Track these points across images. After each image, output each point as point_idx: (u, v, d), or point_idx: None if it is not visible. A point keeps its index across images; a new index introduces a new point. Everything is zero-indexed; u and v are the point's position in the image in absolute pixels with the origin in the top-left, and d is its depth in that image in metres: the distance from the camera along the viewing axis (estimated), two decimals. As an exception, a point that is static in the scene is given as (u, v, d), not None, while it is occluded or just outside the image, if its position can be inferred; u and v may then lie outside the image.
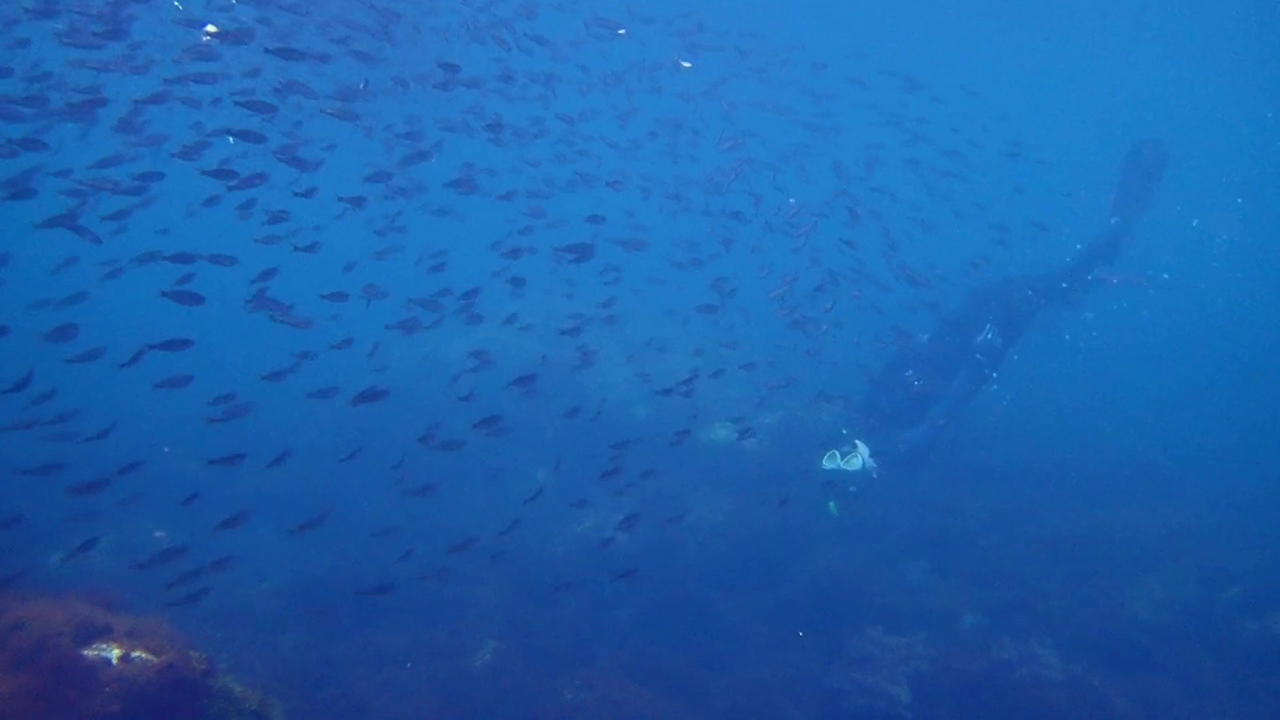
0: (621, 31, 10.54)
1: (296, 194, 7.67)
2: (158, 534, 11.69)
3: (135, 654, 4.95)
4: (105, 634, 5.04)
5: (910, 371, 10.91)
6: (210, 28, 8.04)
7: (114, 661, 4.86)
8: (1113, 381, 18.27)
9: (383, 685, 9.19)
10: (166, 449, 13.10)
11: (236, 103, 6.85)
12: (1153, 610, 9.78)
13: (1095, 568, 10.57)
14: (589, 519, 12.40)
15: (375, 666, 9.52)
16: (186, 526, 11.93)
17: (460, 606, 10.80)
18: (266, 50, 6.94)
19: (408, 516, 13.26)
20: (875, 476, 10.47)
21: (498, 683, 9.23)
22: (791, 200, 10.29)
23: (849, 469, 10.39)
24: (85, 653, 4.84)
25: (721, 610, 10.70)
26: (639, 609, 10.65)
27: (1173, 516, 11.83)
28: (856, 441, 10.56)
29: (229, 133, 7.88)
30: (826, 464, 10.52)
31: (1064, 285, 11.74)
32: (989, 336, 11.22)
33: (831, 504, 10.23)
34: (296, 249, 7.80)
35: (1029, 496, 12.86)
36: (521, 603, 10.89)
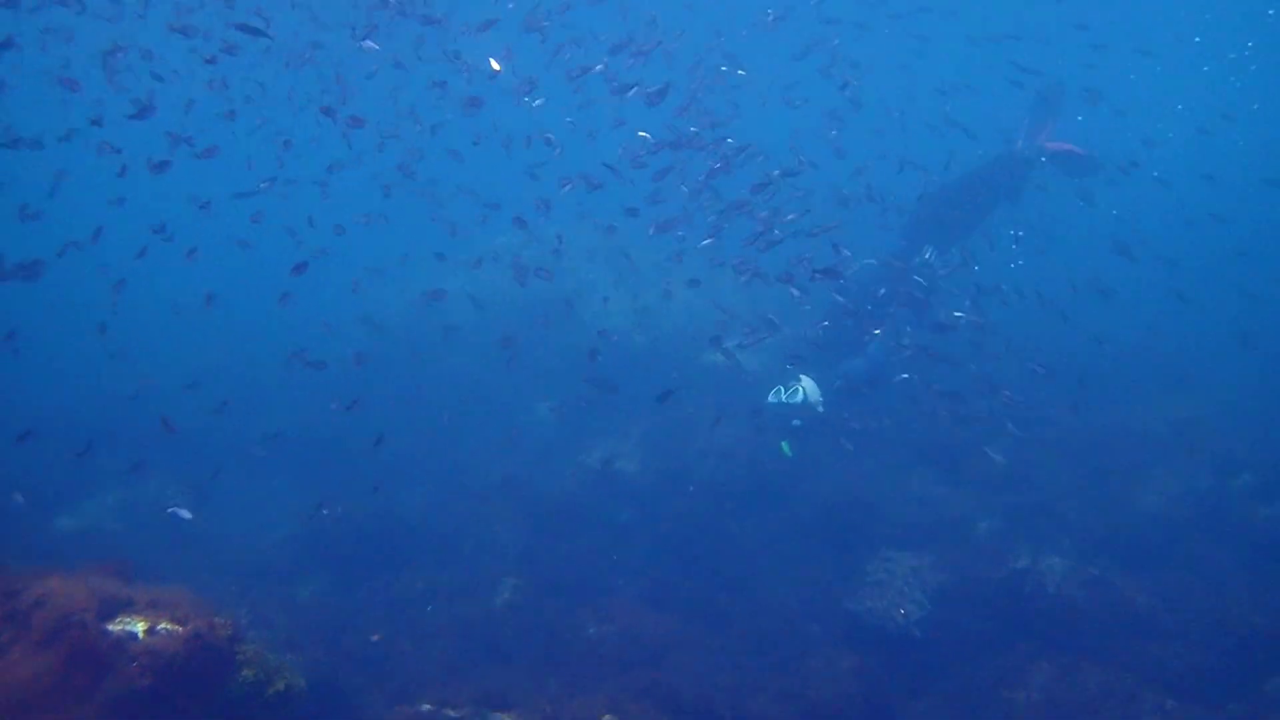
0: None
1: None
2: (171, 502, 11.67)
3: (161, 625, 4.94)
4: (127, 607, 5.03)
5: (842, 299, 10.61)
6: None
7: (140, 635, 4.85)
8: (1109, 276, 18.20)
9: (405, 629, 9.27)
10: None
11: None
12: (1167, 504, 9.88)
13: (1108, 466, 10.63)
14: (598, 449, 12.43)
15: (395, 610, 9.60)
16: (193, 482, 11.97)
17: (476, 545, 10.88)
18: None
19: (415, 458, 13.33)
20: (821, 410, 10.44)
21: (519, 620, 9.30)
22: (642, 134, 9.83)
23: (792, 403, 10.38)
24: (110, 628, 4.83)
25: (736, 533, 10.78)
26: (654, 537, 10.72)
27: (1182, 409, 11.88)
28: (801, 376, 10.55)
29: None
30: (771, 399, 10.55)
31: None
32: (927, 258, 11.17)
33: (784, 443, 10.17)
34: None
35: (1038, 398, 12.86)
36: (537, 538, 10.95)
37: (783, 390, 10.50)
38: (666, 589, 9.85)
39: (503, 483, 12.06)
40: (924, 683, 8.12)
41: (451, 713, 6.72)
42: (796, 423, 10.37)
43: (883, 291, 10.79)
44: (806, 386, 10.50)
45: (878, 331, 10.56)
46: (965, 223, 11.79)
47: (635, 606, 9.47)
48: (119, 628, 4.87)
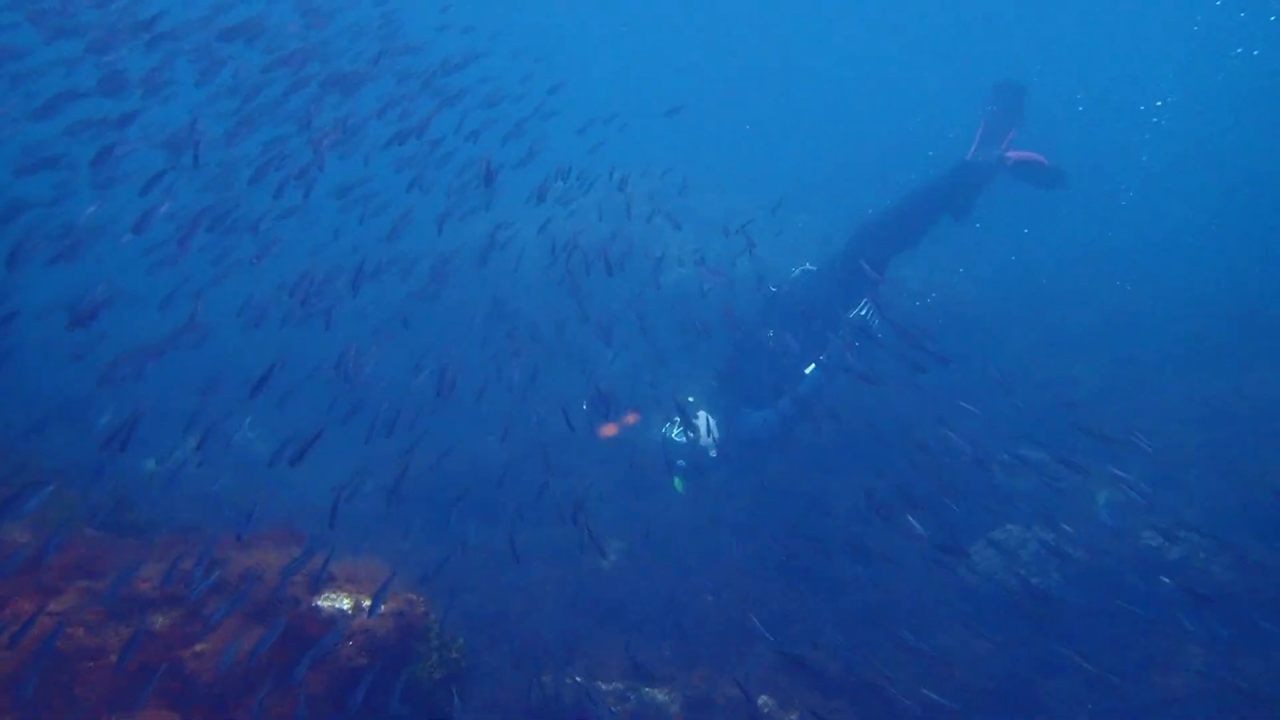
0: None
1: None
2: (249, 434, 11.62)
3: (365, 603, 4.86)
4: (330, 582, 4.94)
5: (771, 333, 9.93)
6: None
7: (349, 611, 4.77)
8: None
9: (512, 588, 9.25)
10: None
11: None
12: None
13: (1228, 435, 10.50)
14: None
15: (499, 569, 9.57)
16: (272, 430, 11.88)
17: (571, 502, 10.80)
18: None
19: (492, 408, 13.20)
20: (712, 455, 9.83)
21: (630, 584, 9.27)
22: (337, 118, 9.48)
23: (675, 441, 9.80)
24: (320, 604, 4.75)
25: (836, 493, 10.73)
26: (752, 498, 10.65)
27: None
28: (701, 413, 9.95)
29: None
30: (664, 431, 9.93)
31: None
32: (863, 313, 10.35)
33: (676, 481, 9.71)
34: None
35: (1139, 361, 12.75)
36: (631, 497, 10.89)
37: (674, 426, 9.90)
38: (772, 554, 9.80)
39: (586, 436, 11.96)
40: (1060, 661, 8.11)
41: (603, 685, 6.69)
42: (681, 463, 9.80)
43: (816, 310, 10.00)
44: (704, 424, 9.88)
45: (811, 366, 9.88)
46: (907, 239, 10.97)
47: (743, 572, 9.44)
48: (329, 604, 4.80)
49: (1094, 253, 18.47)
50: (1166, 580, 8.23)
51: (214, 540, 5.27)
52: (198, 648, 4.63)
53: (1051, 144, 11.96)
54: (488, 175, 7.66)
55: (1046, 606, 8.33)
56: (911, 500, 10.07)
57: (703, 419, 9.86)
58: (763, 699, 6.82)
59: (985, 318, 14.78)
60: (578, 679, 6.83)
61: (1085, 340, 13.91)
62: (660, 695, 6.79)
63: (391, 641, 4.80)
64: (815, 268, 10.85)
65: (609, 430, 10.50)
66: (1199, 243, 18.63)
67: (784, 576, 9.46)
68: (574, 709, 6.68)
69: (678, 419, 9.76)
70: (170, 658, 4.50)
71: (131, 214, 7.23)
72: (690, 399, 10.16)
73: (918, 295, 14.85)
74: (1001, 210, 11.47)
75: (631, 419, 10.88)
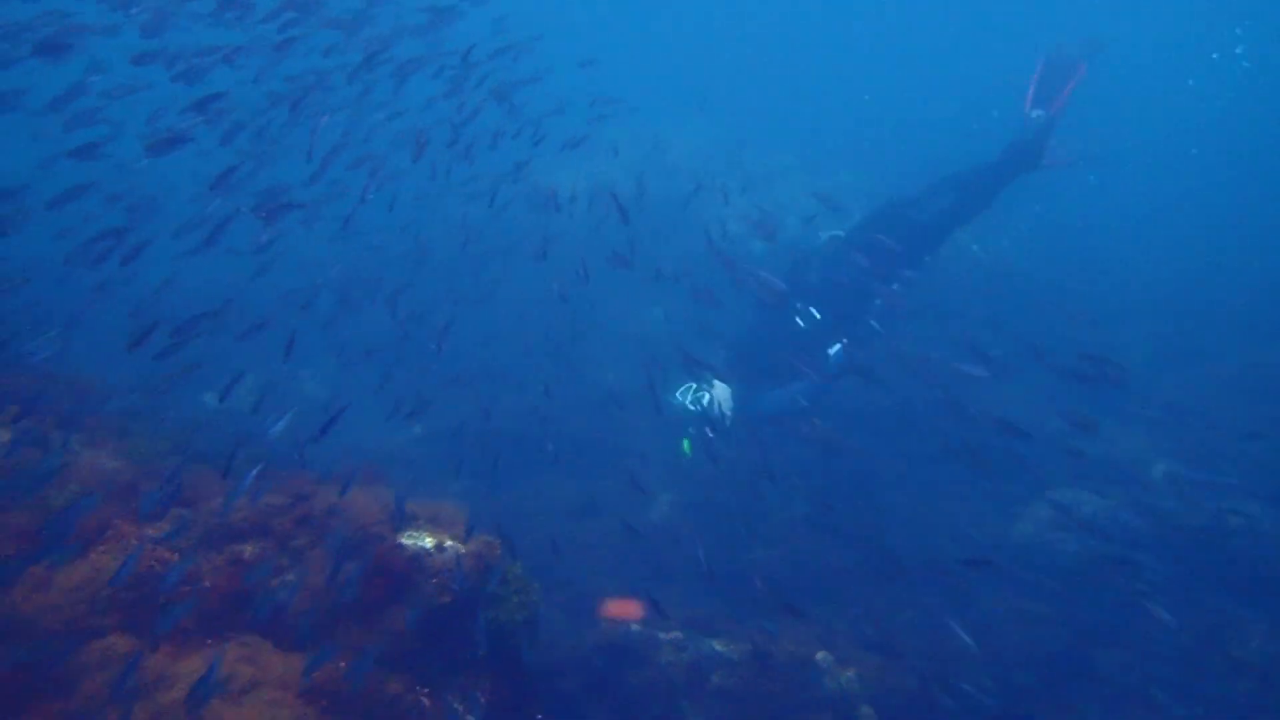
0: None
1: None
2: (303, 376, 11.77)
3: (447, 543, 4.96)
4: (413, 521, 5.03)
5: (800, 305, 9.35)
6: None
7: (431, 550, 4.87)
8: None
9: (564, 536, 9.35)
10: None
11: None
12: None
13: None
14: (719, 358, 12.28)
15: (549, 518, 9.67)
16: (326, 374, 12.01)
17: (618, 455, 10.89)
18: None
19: (536, 359, 13.29)
20: (727, 424, 9.26)
21: (678, 537, 9.35)
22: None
23: (690, 408, 9.36)
24: (404, 542, 4.84)
25: (885, 458, 10.74)
26: (801, 458, 10.67)
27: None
28: (715, 381, 9.45)
29: None
30: (678, 396, 9.48)
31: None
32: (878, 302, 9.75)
33: (685, 442, 9.29)
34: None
35: (1191, 332, 12.60)
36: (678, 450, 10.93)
37: (692, 389, 9.46)
38: (823, 513, 9.84)
39: (637, 391, 12.00)
40: (1115, 632, 8.12)
41: (662, 634, 6.79)
42: (692, 430, 9.34)
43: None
44: (718, 394, 9.45)
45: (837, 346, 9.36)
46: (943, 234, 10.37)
47: (792, 530, 9.50)
48: (412, 543, 4.89)
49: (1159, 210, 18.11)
50: (1223, 549, 8.21)
51: (296, 476, 5.38)
52: (288, 578, 4.75)
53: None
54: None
55: (1118, 566, 8.26)
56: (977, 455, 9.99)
57: (720, 388, 9.50)
58: (820, 654, 6.90)
59: (1033, 285, 14.61)
60: (635, 627, 6.93)
61: (1136, 313, 13.76)
62: (718, 646, 6.89)
63: (473, 582, 4.90)
64: (843, 233, 10.39)
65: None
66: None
67: (833, 532, 9.52)
68: (633, 655, 6.80)
69: (692, 385, 9.46)
70: (260, 586, 4.62)
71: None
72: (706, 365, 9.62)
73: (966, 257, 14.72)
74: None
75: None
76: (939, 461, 10.46)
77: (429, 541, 4.95)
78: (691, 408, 9.45)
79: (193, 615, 4.41)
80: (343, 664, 4.30)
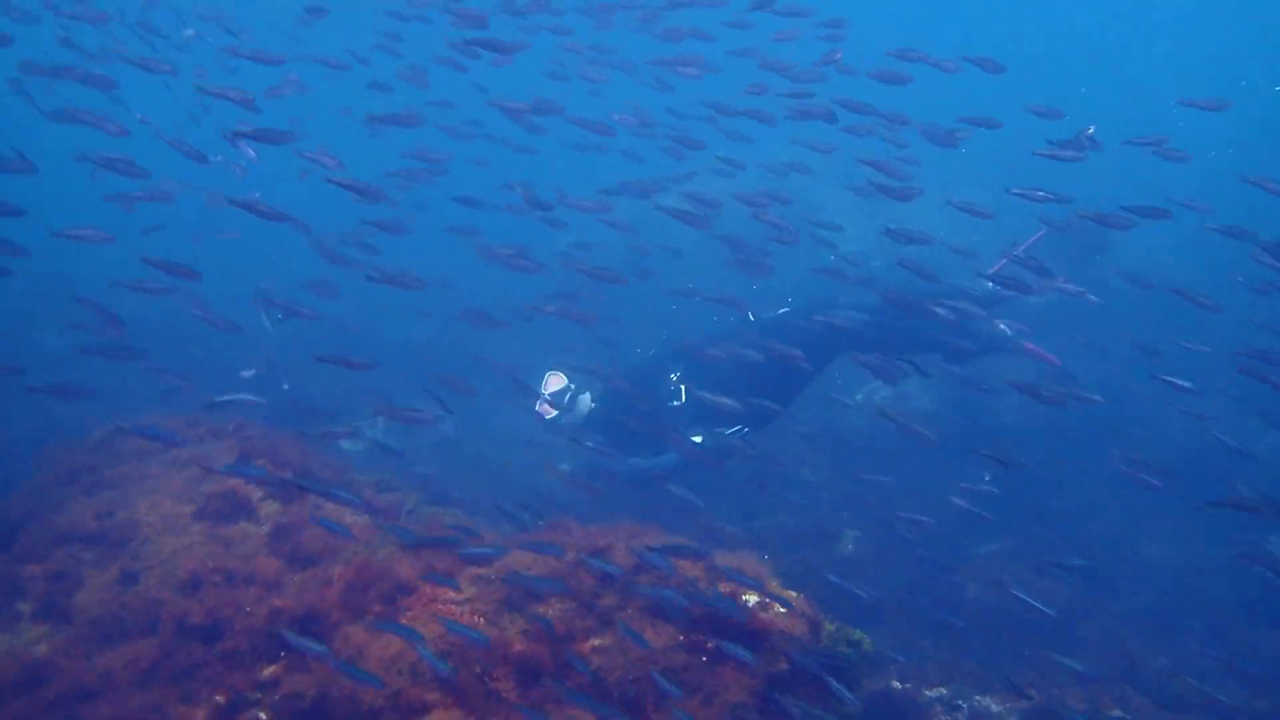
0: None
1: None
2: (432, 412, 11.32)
3: (769, 599, 4.47)
4: (725, 574, 4.55)
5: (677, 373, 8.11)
6: None
7: (762, 614, 4.38)
8: None
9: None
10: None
11: None
12: None
13: None
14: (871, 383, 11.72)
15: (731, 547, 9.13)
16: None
17: (786, 487, 10.37)
18: None
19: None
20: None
21: (871, 574, 8.80)
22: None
23: (555, 420, 8.13)
24: (748, 599, 4.37)
25: (1072, 474, 10.21)
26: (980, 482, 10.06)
27: None
28: (581, 397, 8.16)
29: None
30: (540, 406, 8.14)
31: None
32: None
33: (564, 465, 8.28)
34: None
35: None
36: (844, 483, 10.41)
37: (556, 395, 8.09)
38: (1024, 548, 9.29)
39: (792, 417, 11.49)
40: None
41: (929, 692, 6.25)
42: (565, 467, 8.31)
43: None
44: (581, 403, 8.19)
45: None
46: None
47: (997, 563, 8.98)
48: (753, 601, 4.41)
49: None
50: None
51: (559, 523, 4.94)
52: (595, 642, 4.26)
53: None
54: None
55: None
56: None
57: (584, 399, 8.20)
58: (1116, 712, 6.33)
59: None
60: (895, 684, 6.38)
61: None
62: (994, 705, 6.32)
63: (803, 645, 4.38)
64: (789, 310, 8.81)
65: None
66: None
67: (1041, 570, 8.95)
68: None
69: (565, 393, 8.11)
70: (572, 653, 4.13)
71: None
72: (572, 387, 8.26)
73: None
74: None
75: None
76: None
77: (752, 598, 4.45)
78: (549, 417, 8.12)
79: (514, 686, 3.94)
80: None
